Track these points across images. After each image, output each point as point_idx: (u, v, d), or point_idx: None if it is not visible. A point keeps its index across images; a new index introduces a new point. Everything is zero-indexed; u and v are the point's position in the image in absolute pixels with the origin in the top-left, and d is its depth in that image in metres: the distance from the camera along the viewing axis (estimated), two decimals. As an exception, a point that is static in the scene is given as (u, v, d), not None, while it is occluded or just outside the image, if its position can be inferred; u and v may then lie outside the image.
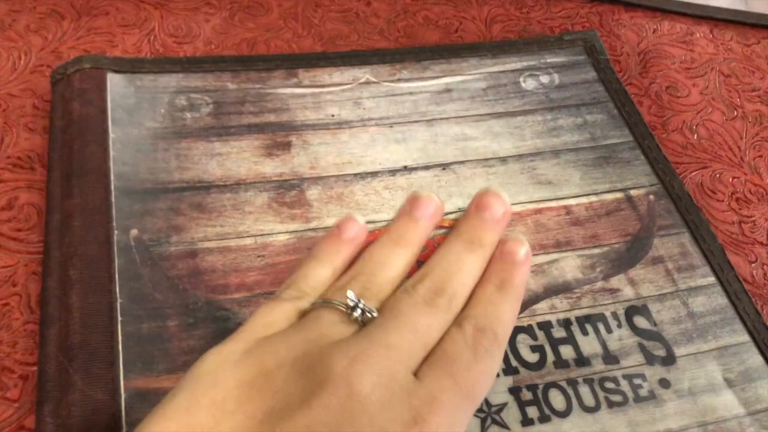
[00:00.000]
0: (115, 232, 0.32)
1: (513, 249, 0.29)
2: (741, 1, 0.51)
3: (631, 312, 0.32)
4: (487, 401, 0.29)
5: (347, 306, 0.26)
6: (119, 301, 0.30)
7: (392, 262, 0.29)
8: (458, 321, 0.27)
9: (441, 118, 0.39)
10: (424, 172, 0.37)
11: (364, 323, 0.26)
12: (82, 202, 0.33)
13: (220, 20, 0.45)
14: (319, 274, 0.29)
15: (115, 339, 0.29)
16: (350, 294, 0.26)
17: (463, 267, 0.28)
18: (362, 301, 0.26)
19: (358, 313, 0.26)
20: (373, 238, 0.31)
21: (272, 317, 0.27)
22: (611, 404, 0.29)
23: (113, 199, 0.33)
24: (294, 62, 0.41)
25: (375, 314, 0.26)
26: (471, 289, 0.28)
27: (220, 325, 0.30)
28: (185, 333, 0.29)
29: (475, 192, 0.35)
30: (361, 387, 0.23)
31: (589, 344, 0.31)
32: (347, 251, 0.30)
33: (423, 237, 0.30)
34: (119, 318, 0.29)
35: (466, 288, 0.28)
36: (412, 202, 0.31)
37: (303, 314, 0.27)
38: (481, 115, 0.40)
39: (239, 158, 0.36)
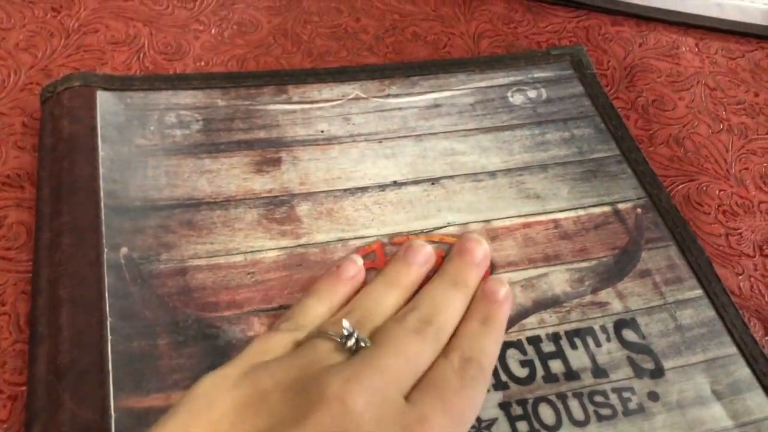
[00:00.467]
0: (105, 250, 0.32)
1: (494, 288, 0.32)
2: (717, 7, 0.51)
3: (619, 325, 0.32)
4: (477, 417, 0.29)
5: (342, 336, 0.27)
6: (109, 319, 0.30)
7: (386, 301, 0.31)
8: (445, 352, 0.28)
9: (430, 133, 0.40)
10: (413, 187, 0.37)
11: (356, 352, 0.27)
12: (71, 221, 0.33)
13: (210, 37, 0.45)
14: (316, 310, 0.30)
15: (105, 358, 0.29)
16: (346, 324, 0.28)
17: (449, 302, 0.30)
18: (357, 331, 0.27)
19: (352, 342, 0.27)
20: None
21: (269, 345, 0.28)
22: (600, 418, 0.29)
23: (103, 217, 0.33)
24: (284, 79, 0.41)
25: (368, 343, 0.27)
26: (456, 323, 0.30)
27: (211, 343, 0.30)
28: (175, 351, 0.29)
29: (464, 206, 0.36)
30: (355, 405, 0.24)
31: (578, 358, 0.31)
32: (345, 290, 0.31)
33: (415, 281, 0.32)
34: (109, 336, 0.29)
35: (452, 321, 0.30)
36: (408, 249, 0.33)
37: (299, 344, 0.28)
38: (469, 129, 0.40)
39: (229, 175, 0.36)
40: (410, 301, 0.31)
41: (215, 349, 0.30)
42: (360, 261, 0.32)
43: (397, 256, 0.33)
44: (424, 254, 0.32)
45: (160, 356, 0.29)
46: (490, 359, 0.29)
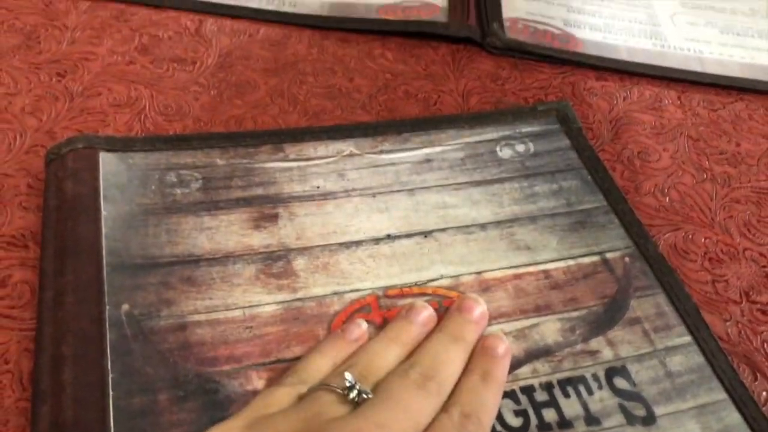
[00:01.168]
0: (107, 307, 0.33)
1: (493, 344, 0.33)
2: (697, 62, 0.53)
3: (611, 373, 0.33)
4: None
5: (344, 388, 0.28)
6: (111, 375, 0.30)
7: (387, 356, 0.32)
8: (446, 407, 0.29)
9: (422, 187, 0.41)
10: (406, 240, 0.38)
11: (359, 404, 0.28)
12: (74, 279, 0.33)
13: (209, 98, 0.47)
14: (319, 366, 0.31)
15: (107, 414, 0.29)
16: (348, 376, 0.28)
17: (449, 357, 0.31)
18: (359, 383, 0.28)
19: (354, 393, 0.28)
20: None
21: (272, 399, 0.28)
22: (594, 466, 0.30)
23: (105, 275, 0.34)
24: (280, 137, 0.43)
25: (370, 395, 0.28)
26: (457, 378, 0.31)
27: (210, 398, 0.30)
28: (176, 406, 0.30)
29: (456, 258, 0.37)
30: None
31: (571, 407, 0.32)
32: (348, 349, 0.33)
33: (416, 339, 0.33)
34: (111, 393, 0.30)
35: (453, 376, 0.31)
36: (410, 309, 0.34)
37: (302, 398, 0.29)
38: (460, 183, 0.41)
39: (228, 231, 0.37)
40: (410, 356, 0.31)
41: (215, 404, 0.30)
42: (364, 325, 0.33)
43: (399, 315, 0.34)
44: (426, 315, 0.33)
45: (161, 411, 0.30)
46: (490, 414, 0.30)
